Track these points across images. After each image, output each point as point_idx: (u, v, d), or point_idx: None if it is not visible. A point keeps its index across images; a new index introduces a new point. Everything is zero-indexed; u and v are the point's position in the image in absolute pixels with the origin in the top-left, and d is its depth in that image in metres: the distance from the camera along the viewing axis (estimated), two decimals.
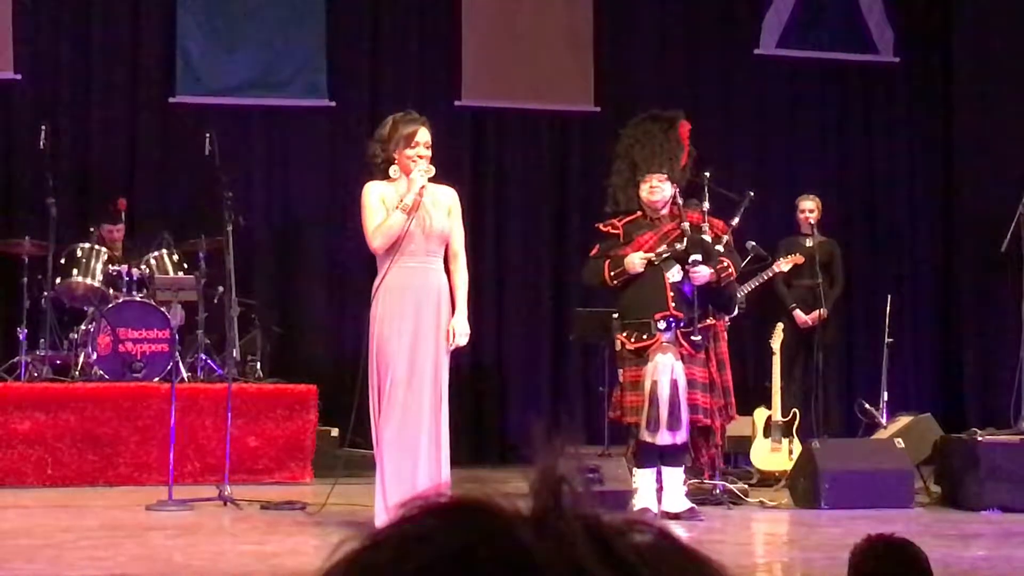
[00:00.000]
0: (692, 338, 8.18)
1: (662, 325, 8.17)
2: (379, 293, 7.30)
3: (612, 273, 8.30)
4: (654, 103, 11.91)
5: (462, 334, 7.30)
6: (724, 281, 8.29)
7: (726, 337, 8.77)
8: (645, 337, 8.21)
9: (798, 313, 10.87)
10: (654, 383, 8.15)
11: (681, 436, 8.19)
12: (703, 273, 8.17)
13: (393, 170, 7.37)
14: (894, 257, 13.38)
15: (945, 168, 13.51)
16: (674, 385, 8.13)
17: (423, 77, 12.74)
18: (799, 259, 10.86)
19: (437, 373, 7.25)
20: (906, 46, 13.41)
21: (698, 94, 12.75)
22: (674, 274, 8.22)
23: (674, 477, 8.31)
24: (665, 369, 8.16)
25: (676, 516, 8.07)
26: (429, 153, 7.40)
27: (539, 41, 12.74)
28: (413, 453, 7.15)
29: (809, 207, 11.18)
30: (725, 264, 8.31)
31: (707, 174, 8.59)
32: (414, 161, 7.33)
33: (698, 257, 8.18)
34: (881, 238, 13.39)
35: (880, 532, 3.18)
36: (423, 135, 7.40)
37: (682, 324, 8.19)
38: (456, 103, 12.66)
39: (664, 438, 8.16)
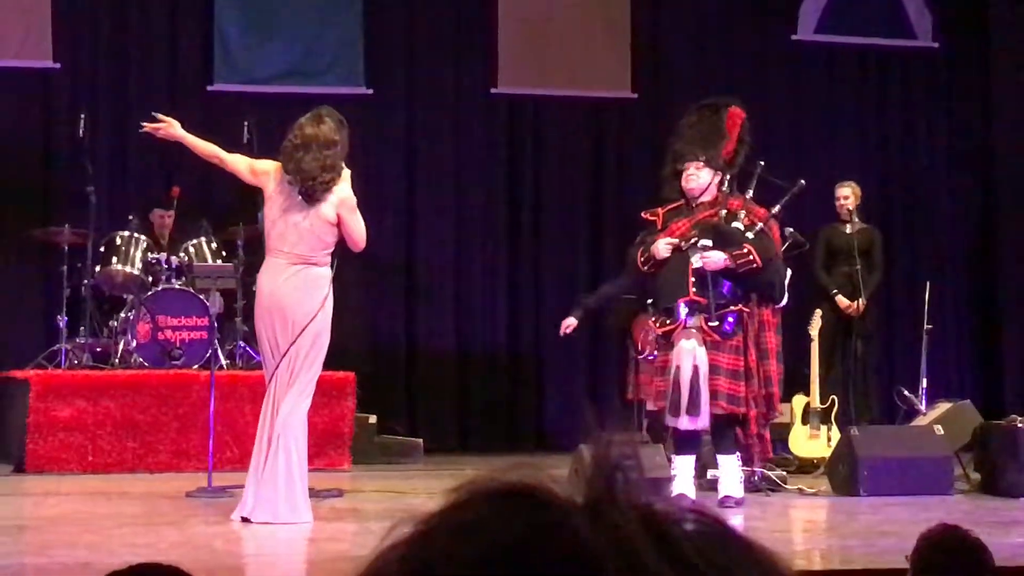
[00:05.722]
0: (710, 323, 8.15)
1: (684, 310, 8.18)
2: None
3: (642, 259, 8.33)
4: (691, 89, 11.89)
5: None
6: (742, 267, 8.21)
7: (776, 325, 8.63)
8: (669, 322, 8.23)
9: (840, 298, 10.80)
10: (677, 368, 8.15)
11: (702, 422, 8.17)
12: (714, 258, 8.15)
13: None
14: (933, 243, 13.31)
15: (984, 153, 13.43)
16: (695, 370, 8.12)
17: (459, 65, 12.74)
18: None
19: None
20: (945, 31, 13.32)
21: (735, 80, 12.69)
22: (697, 260, 8.21)
23: (729, 464, 8.28)
24: (687, 354, 8.15)
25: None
26: None
27: (575, 28, 12.71)
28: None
29: (845, 194, 11.10)
30: (745, 251, 8.23)
31: (761, 163, 8.62)
32: None
33: (707, 242, 8.17)
34: (920, 224, 13.32)
35: (956, 525, 3.16)
36: None
37: (704, 309, 8.17)
38: (492, 91, 12.66)
39: (684, 423, 8.16)
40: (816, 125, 13.26)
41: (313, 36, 12.40)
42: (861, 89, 13.44)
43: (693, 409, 8.09)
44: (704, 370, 8.12)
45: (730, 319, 8.20)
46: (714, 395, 8.14)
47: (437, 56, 12.72)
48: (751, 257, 8.23)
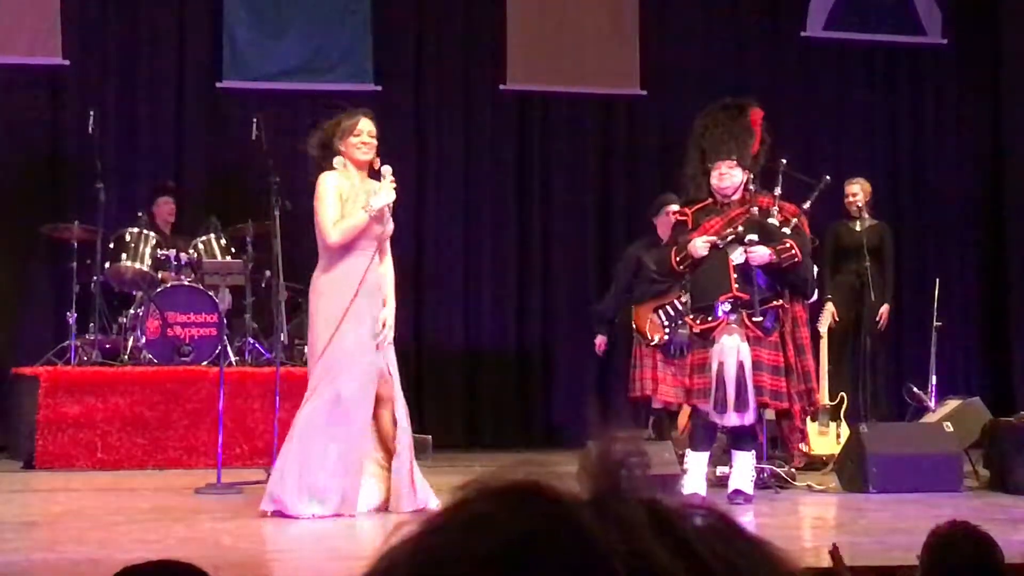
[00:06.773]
0: (754, 319, 8.16)
1: (727, 307, 8.17)
2: (328, 283, 7.51)
3: (678, 259, 8.31)
4: (700, 87, 11.90)
5: (391, 327, 7.71)
6: (786, 262, 8.22)
7: (807, 320, 8.66)
8: (710, 319, 8.21)
9: (829, 305, 10.61)
10: (720, 364, 8.15)
11: (748, 417, 8.18)
12: (759, 253, 8.15)
13: (337, 161, 7.65)
14: (942, 240, 13.30)
15: (994, 150, 13.42)
16: (740, 366, 8.11)
17: (468, 61, 12.74)
18: None
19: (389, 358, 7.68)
20: (954, 27, 13.31)
21: (745, 77, 12.69)
22: (737, 256, 8.20)
23: (744, 461, 8.28)
24: (731, 350, 8.14)
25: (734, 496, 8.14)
26: (375, 142, 7.80)
27: (584, 24, 12.71)
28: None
29: (853, 191, 11.06)
30: (787, 245, 8.23)
31: (784, 160, 8.66)
32: (358, 148, 7.72)
33: (754, 237, 8.16)
34: (929, 221, 13.31)
35: (966, 521, 3.16)
36: (366, 124, 7.80)
37: (746, 305, 8.17)
38: (501, 87, 12.65)
39: (731, 419, 8.16)
40: (825, 122, 13.25)
41: (321, 33, 12.40)
42: (870, 86, 13.43)
43: (741, 405, 8.10)
44: (749, 365, 8.13)
45: (770, 315, 8.21)
46: (758, 391, 8.15)
47: (446, 52, 12.71)
48: (793, 251, 8.22)
